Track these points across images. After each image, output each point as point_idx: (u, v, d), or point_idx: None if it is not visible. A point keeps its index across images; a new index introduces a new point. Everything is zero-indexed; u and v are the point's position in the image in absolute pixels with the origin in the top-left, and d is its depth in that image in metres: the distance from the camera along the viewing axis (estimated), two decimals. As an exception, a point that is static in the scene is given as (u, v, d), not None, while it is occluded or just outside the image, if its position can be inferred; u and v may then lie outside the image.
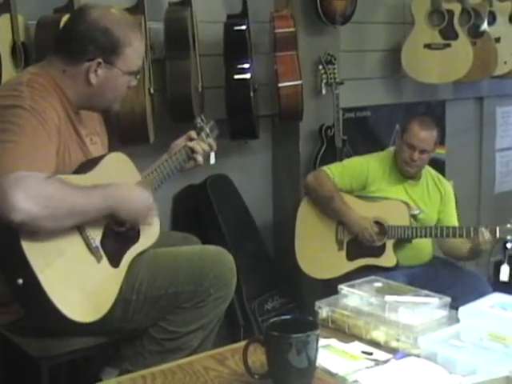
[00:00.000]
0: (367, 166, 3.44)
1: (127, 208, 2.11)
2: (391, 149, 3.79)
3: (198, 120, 2.56)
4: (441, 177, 3.60)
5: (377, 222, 3.35)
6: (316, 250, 3.46)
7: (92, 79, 2.15)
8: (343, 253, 3.41)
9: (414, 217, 3.37)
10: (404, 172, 3.43)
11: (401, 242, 3.35)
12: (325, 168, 3.46)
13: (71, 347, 2.21)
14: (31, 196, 1.83)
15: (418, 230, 3.29)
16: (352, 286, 2.15)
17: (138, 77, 2.28)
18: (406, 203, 3.38)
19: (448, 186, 3.57)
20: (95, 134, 2.33)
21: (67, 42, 2.16)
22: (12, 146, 1.89)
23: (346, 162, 3.54)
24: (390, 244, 3.33)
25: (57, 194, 1.90)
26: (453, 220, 3.51)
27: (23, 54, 2.81)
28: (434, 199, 3.50)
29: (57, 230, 1.93)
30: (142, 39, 2.26)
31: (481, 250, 3.23)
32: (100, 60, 2.14)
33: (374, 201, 3.39)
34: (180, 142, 2.50)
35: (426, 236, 3.29)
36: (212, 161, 2.61)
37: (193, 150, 2.47)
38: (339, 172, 3.42)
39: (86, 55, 2.13)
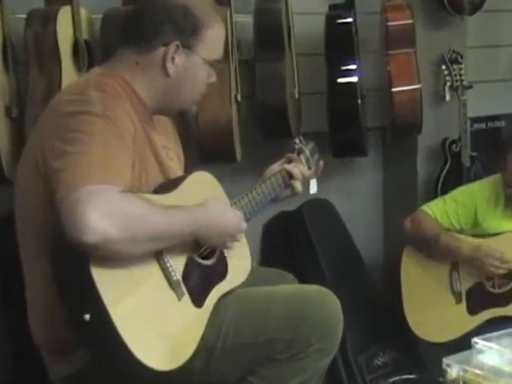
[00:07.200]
0: (473, 196, 3.43)
1: (213, 233, 2.12)
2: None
3: (297, 141, 2.59)
4: None
5: None
6: (430, 309, 3.46)
7: (169, 68, 2.16)
8: (463, 306, 3.39)
9: None
10: None
11: None
12: (423, 207, 3.50)
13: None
14: (106, 213, 1.82)
15: None
16: (489, 340, 2.11)
17: (215, 76, 2.29)
18: None
19: None
20: (170, 148, 2.34)
21: (138, 25, 2.19)
22: (81, 158, 1.90)
23: (448, 196, 3.53)
24: None
25: (136, 211, 1.90)
26: None
27: (86, 54, 2.86)
28: None
29: (134, 255, 1.93)
30: (223, 24, 2.29)
31: None
32: (178, 43, 2.15)
33: (491, 237, 3.35)
34: (275, 166, 2.52)
35: None
36: (312, 190, 2.63)
37: (291, 175, 2.48)
38: (440, 208, 3.44)
39: (161, 38, 2.15)
